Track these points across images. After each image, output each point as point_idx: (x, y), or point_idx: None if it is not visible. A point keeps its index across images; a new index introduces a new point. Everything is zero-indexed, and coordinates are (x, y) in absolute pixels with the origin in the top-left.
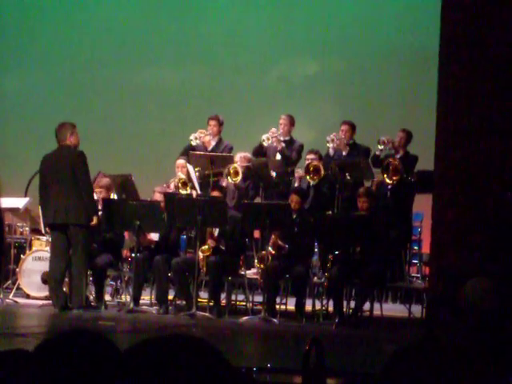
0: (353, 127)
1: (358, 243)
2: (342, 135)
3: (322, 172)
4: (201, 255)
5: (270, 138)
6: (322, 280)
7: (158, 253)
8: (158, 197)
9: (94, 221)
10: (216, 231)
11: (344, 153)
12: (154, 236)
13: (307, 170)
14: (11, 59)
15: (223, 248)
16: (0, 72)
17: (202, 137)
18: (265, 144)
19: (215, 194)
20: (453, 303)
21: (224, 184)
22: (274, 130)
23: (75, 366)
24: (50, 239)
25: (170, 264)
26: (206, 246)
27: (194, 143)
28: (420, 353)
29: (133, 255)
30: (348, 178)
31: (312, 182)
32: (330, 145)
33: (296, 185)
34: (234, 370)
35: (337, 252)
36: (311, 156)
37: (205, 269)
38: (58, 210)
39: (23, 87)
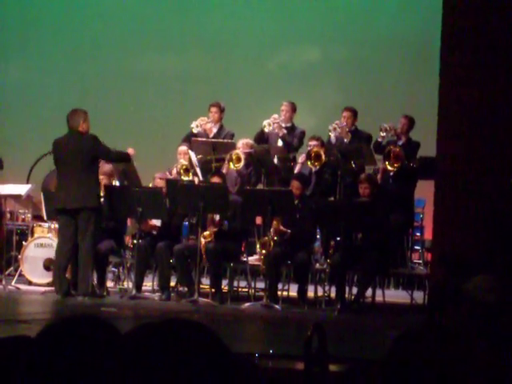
0: (355, 113)
1: (360, 229)
2: (344, 121)
3: (323, 158)
4: (202, 241)
5: (272, 123)
6: (324, 266)
7: (160, 239)
8: (159, 183)
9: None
10: (217, 218)
11: (346, 140)
12: (157, 221)
13: (308, 156)
14: (13, 48)
15: (226, 229)
16: (2, 60)
17: (204, 124)
18: (266, 130)
19: (215, 179)
20: (455, 289)
21: (224, 170)
22: (275, 115)
23: (77, 352)
24: (54, 225)
25: (172, 250)
26: (208, 232)
27: (195, 130)
28: (422, 338)
29: (135, 242)
30: (353, 165)
31: (313, 169)
32: (332, 133)
33: (297, 171)
34: (233, 355)
35: (338, 238)
36: (313, 142)
37: (205, 256)
38: (70, 196)
39: (25, 75)
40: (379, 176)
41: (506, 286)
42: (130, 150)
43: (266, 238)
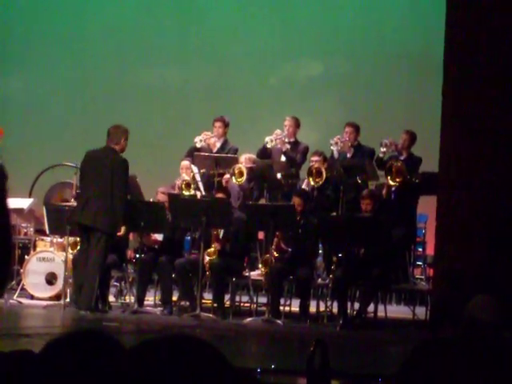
0: (357, 129)
1: (362, 245)
2: (346, 137)
3: (325, 175)
4: (206, 258)
5: (274, 139)
6: (327, 281)
7: (162, 254)
8: (162, 197)
9: (122, 231)
10: (221, 233)
11: (348, 154)
12: (159, 236)
13: (310, 173)
14: (15, 60)
15: (228, 250)
16: (4, 72)
17: (207, 139)
18: (268, 146)
19: (220, 195)
20: (457, 305)
21: (224, 182)
22: (278, 131)
23: (81, 367)
24: (56, 240)
25: (174, 265)
26: (213, 249)
27: (198, 145)
28: (428, 354)
29: (137, 256)
30: (359, 180)
31: (315, 185)
32: (334, 148)
33: (304, 186)
34: (235, 370)
35: (340, 254)
36: (315, 158)
37: (209, 271)
38: (86, 211)
39: (27, 88)
40: (384, 191)
41: (502, 306)
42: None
43: (268, 255)
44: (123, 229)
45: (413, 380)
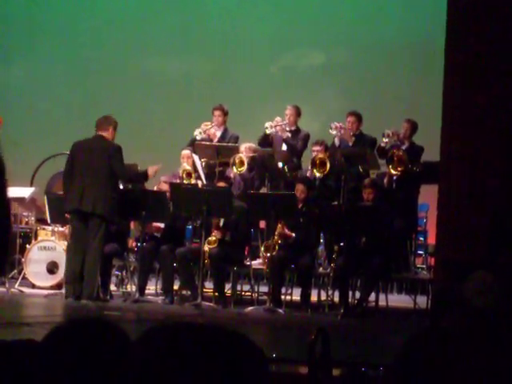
0: (359, 118)
1: (364, 234)
2: (349, 126)
3: (328, 165)
4: (206, 247)
5: (274, 126)
6: (328, 270)
7: (163, 243)
8: (164, 186)
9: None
10: (221, 222)
11: (350, 143)
12: (160, 224)
13: (313, 164)
14: (16, 50)
15: (228, 239)
16: (6, 62)
17: (207, 129)
18: (268, 131)
19: (221, 184)
20: (458, 294)
21: (232, 175)
22: (278, 118)
23: (85, 355)
24: (58, 228)
25: (175, 254)
26: (213, 238)
27: (199, 137)
28: (430, 342)
29: (138, 245)
30: (361, 170)
31: (320, 175)
32: (334, 132)
33: (308, 175)
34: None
35: (342, 244)
36: (317, 148)
37: (208, 260)
38: (85, 198)
39: (28, 77)
40: (386, 180)
41: (501, 287)
42: (152, 169)
43: (270, 241)
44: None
45: (408, 370)
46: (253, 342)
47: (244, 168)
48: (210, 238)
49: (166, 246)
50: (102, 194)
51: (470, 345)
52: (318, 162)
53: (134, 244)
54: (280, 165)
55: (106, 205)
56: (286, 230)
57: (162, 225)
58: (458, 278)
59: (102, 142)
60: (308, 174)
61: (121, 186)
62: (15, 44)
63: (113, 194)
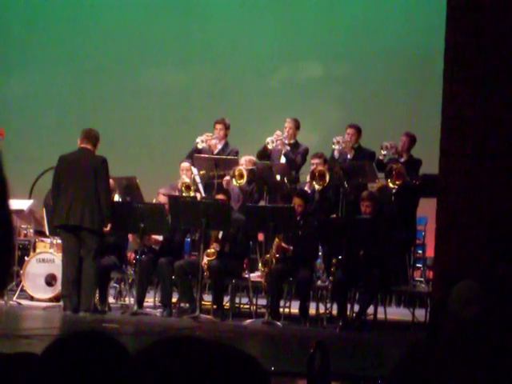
0: (359, 131)
1: (362, 247)
2: (348, 138)
3: (328, 177)
4: (205, 259)
5: (275, 140)
6: (326, 283)
7: (162, 255)
8: (163, 199)
9: (108, 227)
10: (220, 234)
11: (349, 156)
12: (159, 236)
13: (312, 176)
14: (15, 61)
15: (227, 252)
16: (4, 74)
17: (209, 140)
18: (269, 147)
19: (220, 197)
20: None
21: (224, 184)
22: (278, 132)
23: (84, 368)
24: (56, 241)
25: (173, 267)
26: (212, 250)
27: (200, 146)
28: (425, 356)
29: (137, 257)
30: (360, 180)
31: (319, 188)
32: (336, 147)
33: (306, 188)
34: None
35: (340, 256)
36: (316, 160)
37: (207, 272)
38: (72, 212)
39: (27, 89)
40: (376, 193)
41: (488, 296)
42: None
43: (268, 255)
44: (109, 226)
45: (405, 383)
46: (252, 357)
47: (243, 180)
48: (208, 251)
49: (164, 259)
50: (89, 207)
51: (455, 358)
52: (317, 174)
53: (132, 256)
54: (278, 177)
55: (93, 218)
56: (284, 244)
57: (160, 237)
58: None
59: (88, 155)
60: (307, 187)
61: (118, 199)
62: (14, 57)
63: (105, 204)
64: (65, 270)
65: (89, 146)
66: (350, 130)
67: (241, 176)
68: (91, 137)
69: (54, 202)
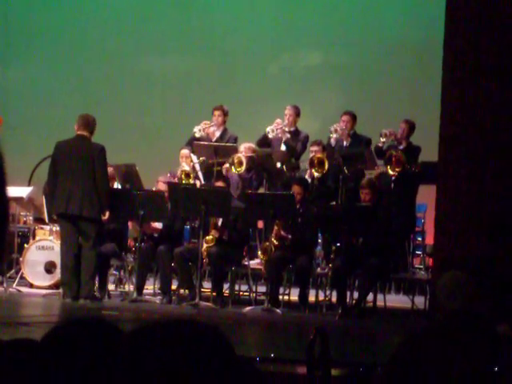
0: (354, 117)
1: (362, 234)
2: (344, 126)
3: (327, 164)
4: (204, 246)
5: (275, 129)
6: (326, 270)
7: (161, 243)
8: (162, 186)
9: (106, 216)
10: (219, 221)
11: (345, 143)
12: (158, 224)
13: (311, 163)
14: (15, 50)
15: (226, 239)
16: (4, 62)
17: (207, 128)
18: (270, 136)
19: (219, 184)
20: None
21: (224, 171)
22: (279, 120)
23: (84, 355)
24: (56, 228)
25: (173, 254)
26: (210, 237)
27: (198, 135)
28: (426, 342)
29: (137, 245)
30: (359, 167)
31: (318, 175)
32: (334, 135)
33: (306, 176)
34: (239, 359)
35: (339, 244)
36: (315, 148)
37: (207, 259)
38: (72, 201)
39: (27, 78)
40: (375, 180)
41: (474, 285)
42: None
43: (267, 243)
44: (107, 213)
45: (403, 369)
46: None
47: (243, 168)
48: (207, 238)
49: (163, 246)
50: (88, 196)
51: (441, 347)
52: (316, 161)
53: (132, 244)
54: (278, 165)
55: (93, 206)
56: (282, 232)
57: (159, 225)
58: None
59: (86, 142)
60: (307, 175)
61: (117, 186)
62: (13, 45)
63: (103, 192)
64: (63, 258)
65: (85, 133)
66: (345, 117)
67: (240, 163)
68: (88, 123)
69: (50, 188)
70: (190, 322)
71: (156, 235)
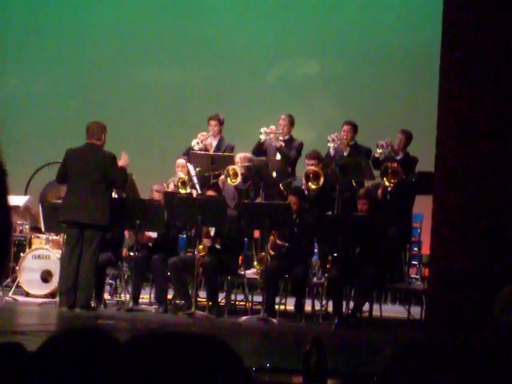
0: (355, 127)
1: (358, 244)
2: (344, 135)
3: (322, 177)
4: (197, 255)
5: (268, 132)
6: (322, 280)
7: (156, 252)
8: (157, 195)
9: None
10: (212, 230)
11: (345, 153)
12: (153, 233)
13: (307, 177)
14: (12, 57)
15: (219, 247)
16: (2, 71)
17: (204, 139)
18: (262, 137)
19: (210, 193)
20: (451, 305)
21: (221, 184)
22: (273, 127)
23: (80, 364)
24: (52, 237)
25: (167, 263)
26: (201, 246)
27: (196, 147)
28: (419, 353)
29: (131, 254)
30: (354, 183)
31: (314, 188)
32: (331, 144)
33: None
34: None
35: (336, 254)
36: (311, 161)
37: (201, 269)
38: (83, 210)
39: (24, 85)
40: (379, 191)
41: None
42: (124, 161)
43: (263, 253)
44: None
45: (397, 380)
46: (231, 350)
47: (238, 180)
48: (199, 247)
49: (157, 256)
50: (98, 204)
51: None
52: (311, 175)
53: (126, 253)
54: (274, 174)
55: (103, 215)
56: (278, 241)
57: (154, 234)
58: (452, 289)
59: (96, 151)
60: (303, 186)
61: (114, 195)
62: (11, 52)
63: (109, 203)
64: (66, 266)
65: (94, 141)
66: (346, 127)
67: (235, 175)
68: (93, 131)
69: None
70: (190, 335)
71: (150, 244)
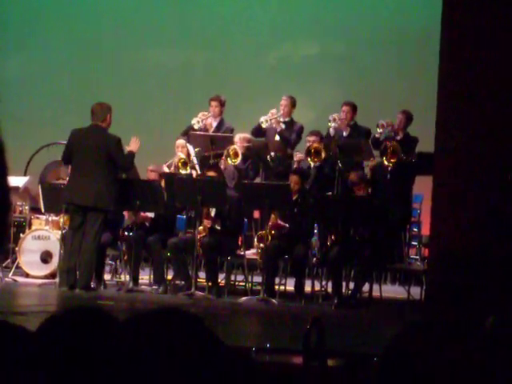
0: (354, 108)
1: (358, 225)
2: (343, 116)
3: (323, 154)
4: (197, 236)
5: (269, 119)
6: (315, 260)
7: (152, 232)
8: (152, 175)
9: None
10: (213, 211)
11: (345, 133)
12: (150, 213)
13: (308, 153)
14: (13, 41)
15: (219, 228)
16: (2, 55)
17: (205, 119)
18: (263, 126)
19: (211, 173)
20: (451, 285)
21: (222, 166)
22: (273, 111)
23: (79, 344)
24: (52, 218)
25: (164, 243)
26: (201, 227)
27: (196, 127)
28: (420, 334)
29: (126, 234)
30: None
31: (313, 164)
32: (332, 124)
33: (295, 167)
34: (227, 347)
35: (336, 234)
36: (312, 138)
37: (200, 249)
38: (88, 193)
39: (24, 66)
40: (369, 173)
41: None
42: (134, 146)
43: (264, 231)
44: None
45: (398, 361)
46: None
47: (238, 159)
48: (199, 228)
49: (153, 237)
50: (103, 187)
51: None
52: (312, 150)
53: (122, 233)
54: (272, 155)
55: (108, 198)
56: (279, 221)
57: (151, 214)
58: (452, 270)
59: (101, 133)
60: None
61: None
62: (11, 35)
63: (114, 186)
64: (68, 247)
65: (99, 123)
66: (345, 108)
67: (235, 155)
68: (97, 113)
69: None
70: (174, 312)
71: (147, 224)
